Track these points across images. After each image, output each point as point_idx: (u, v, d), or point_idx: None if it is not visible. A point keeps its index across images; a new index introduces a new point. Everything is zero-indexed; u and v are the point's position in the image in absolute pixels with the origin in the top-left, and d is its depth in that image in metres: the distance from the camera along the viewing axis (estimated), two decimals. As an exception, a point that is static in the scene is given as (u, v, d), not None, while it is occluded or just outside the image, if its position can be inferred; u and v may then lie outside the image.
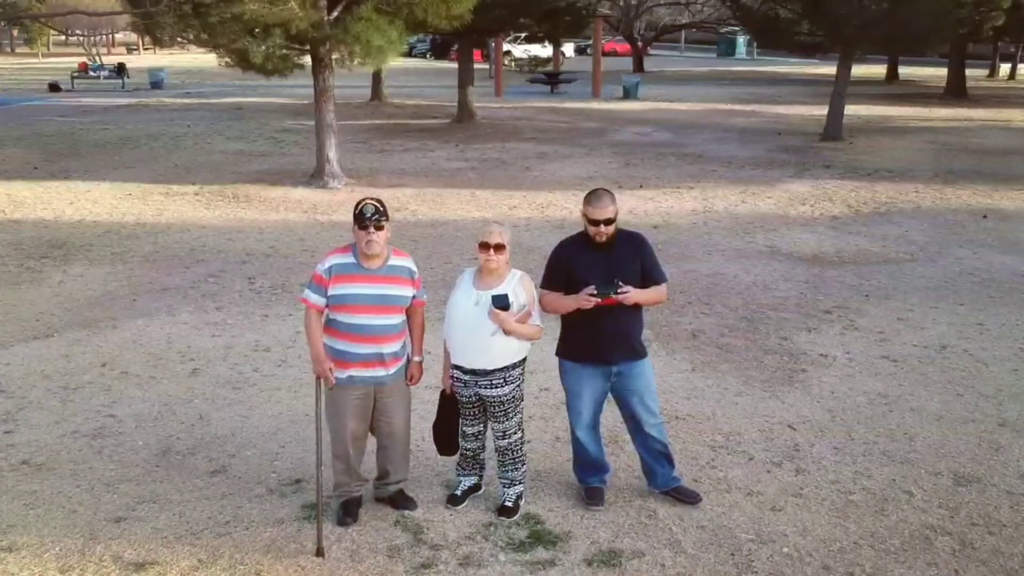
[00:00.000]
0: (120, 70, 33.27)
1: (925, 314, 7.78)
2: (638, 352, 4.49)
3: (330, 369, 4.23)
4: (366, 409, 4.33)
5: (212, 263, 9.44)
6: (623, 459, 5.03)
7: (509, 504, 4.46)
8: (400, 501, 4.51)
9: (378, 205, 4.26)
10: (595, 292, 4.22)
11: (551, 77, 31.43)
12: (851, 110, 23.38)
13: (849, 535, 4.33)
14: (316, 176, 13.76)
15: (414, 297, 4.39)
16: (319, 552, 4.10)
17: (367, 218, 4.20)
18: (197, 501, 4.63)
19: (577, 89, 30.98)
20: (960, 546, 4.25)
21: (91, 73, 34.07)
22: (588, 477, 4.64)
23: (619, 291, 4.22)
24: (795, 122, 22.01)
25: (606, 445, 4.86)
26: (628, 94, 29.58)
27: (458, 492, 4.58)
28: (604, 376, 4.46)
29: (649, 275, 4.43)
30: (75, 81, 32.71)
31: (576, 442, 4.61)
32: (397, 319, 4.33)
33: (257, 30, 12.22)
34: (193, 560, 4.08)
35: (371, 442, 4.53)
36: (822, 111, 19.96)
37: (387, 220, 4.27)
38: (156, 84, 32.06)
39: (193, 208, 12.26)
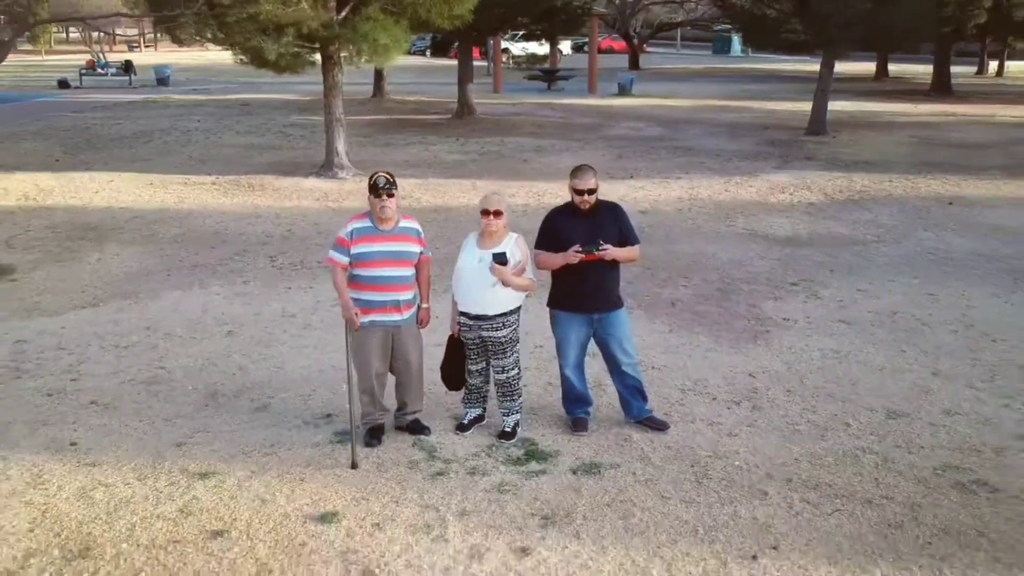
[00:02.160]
0: (127, 67, 34.06)
1: (882, 286, 8.64)
2: (616, 303, 5.35)
3: (356, 314, 5.07)
4: (386, 349, 5.18)
5: (235, 244, 10.29)
6: (605, 399, 5.87)
7: (508, 429, 5.31)
8: (416, 428, 5.37)
9: (389, 176, 5.12)
10: (580, 249, 5.07)
11: (548, 74, 32.21)
12: (838, 106, 24.23)
13: (791, 454, 5.18)
14: (325, 167, 14.59)
15: (421, 253, 5.24)
16: (353, 465, 4.94)
17: (380, 187, 5.06)
18: (245, 431, 5.49)
19: (574, 86, 31.83)
20: (883, 461, 5.11)
21: (99, 70, 34.83)
22: (574, 409, 5.49)
23: (600, 248, 5.08)
24: (783, 117, 22.82)
25: (591, 388, 5.71)
26: (623, 90, 30.41)
27: (465, 421, 5.43)
28: (587, 323, 5.31)
29: (625, 237, 5.30)
30: (83, 78, 33.48)
31: (564, 380, 5.46)
32: (408, 271, 5.17)
33: (271, 29, 13.04)
34: (247, 471, 4.93)
35: (390, 388, 5.39)
36: (810, 107, 20.77)
37: (396, 189, 5.12)
38: (162, 81, 32.83)
39: (212, 196, 13.10)
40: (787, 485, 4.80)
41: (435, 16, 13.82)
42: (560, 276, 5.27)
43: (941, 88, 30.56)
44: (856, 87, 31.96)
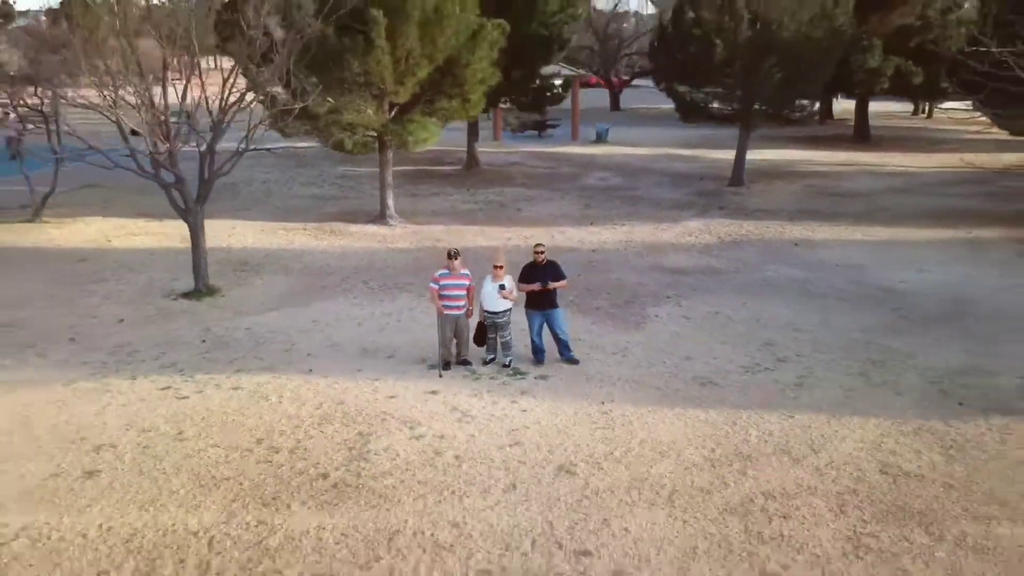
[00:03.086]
0: (188, 117, 40.50)
1: (719, 299, 15.08)
2: (555, 305, 11.83)
3: (441, 311, 11.52)
4: (453, 326, 11.63)
5: (338, 273, 16.72)
6: (552, 354, 12.26)
7: (506, 363, 11.75)
8: (465, 363, 11.80)
9: (457, 250, 11.60)
10: (541, 285, 11.55)
11: (539, 124, 38.73)
12: (770, 154, 30.89)
13: (633, 373, 11.59)
14: (380, 217, 21.06)
15: (469, 284, 11.69)
16: (440, 375, 11.38)
17: (451, 256, 11.55)
18: (387, 365, 11.88)
19: (560, 131, 38.49)
20: (671, 376, 11.51)
21: (162, 119, 41.25)
22: (537, 355, 11.94)
23: (549, 284, 11.56)
24: (721, 167, 29.08)
25: (546, 347, 12.09)
26: (600, 138, 37.05)
27: (486, 360, 11.88)
28: (542, 316, 11.79)
29: (560, 276, 11.78)
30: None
31: (532, 342, 11.91)
32: (463, 293, 11.61)
33: (347, 127, 19.52)
34: (394, 378, 11.33)
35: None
36: (747, 157, 27.05)
37: (459, 255, 11.58)
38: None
39: (308, 239, 19.57)
40: (627, 383, 11.24)
41: (458, 116, 20.38)
42: (530, 295, 11.74)
43: (861, 136, 37.27)
44: (797, 132, 38.38)
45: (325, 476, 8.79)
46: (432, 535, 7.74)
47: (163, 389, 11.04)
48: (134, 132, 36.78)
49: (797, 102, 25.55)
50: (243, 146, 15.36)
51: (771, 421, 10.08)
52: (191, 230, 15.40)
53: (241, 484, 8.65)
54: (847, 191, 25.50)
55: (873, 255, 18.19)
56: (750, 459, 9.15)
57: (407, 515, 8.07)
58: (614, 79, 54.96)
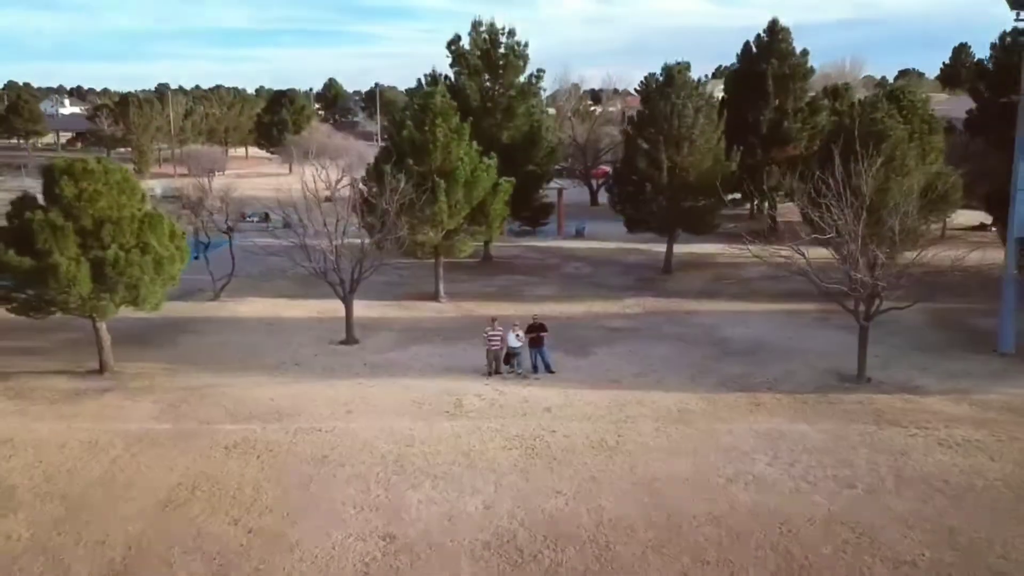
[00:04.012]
0: (266, 217, 53.57)
1: (633, 344, 27.75)
2: (544, 345, 24.62)
3: (489, 347, 24.26)
4: (493, 355, 24.37)
5: (422, 331, 29.38)
6: (541, 371, 24.87)
7: (520, 372, 24.43)
8: (498, 373, 24.47)
9: (495, 317, 24.48)
10: (536, 334, 24.35)
11: (533, 222, 51.79)
12: (701, 248, 43.66)
13: (581, 377, 24.21)
14: (435, 296, 33.85)
15: (502, 334, 24.45)
16: (487, 378, 24.02)
17: (492, 320, 24.44)
18: (462, 374, 24.48)
19: (548, 228, 51.58)
20: (601, 375, 24.16)
21: (247, 219, 54.37)
22: (534, 370, 24.62)
23: (540, 335, 24.37)
24: (660, 259, 41.97)
25: (539, 367, 24.69)
26: (578, 233, 50.18)
27: (510, 371, 24.55)
28: (536, 350, 24.60)
29: (545, 330, 24.62)
30: (238, 224, 52.87)
31: (531, 363, 24.60)
32: (499, 338, 24.39)
33: (419, 244, 32.41)
34: (466, 377, 23.93)
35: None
36: (680, 250, 39.92)
37: (496, 319, 24.40)
38: (287, 224, 52.38)
39: (394, 311, 32.30)
40: (577, 381, 23.85)
41: (484, 237, 33.44)
42: (531, 340, 24.51)
43: (772, 232, 50.37)
44: (727, 228, 51.44)
45: (447, 412, 21.40)
46: (496, 429, 20.32)
47: (359, 384, 23.65)
48: (229, 229, 49.04)
49: (704, 219, 38.58)
50: (376, 262, 28.16)
51: (639, 393, 22.73)
52: (346, 307, 28.09)
53: (415, 415, 21.24)
54: (738, 277, 38.37)
55: (726, 319, 30.95)
56: (625, 405, 21.78)
57: (483, 423, 20.65)
58: (595, 172, 68.45)
